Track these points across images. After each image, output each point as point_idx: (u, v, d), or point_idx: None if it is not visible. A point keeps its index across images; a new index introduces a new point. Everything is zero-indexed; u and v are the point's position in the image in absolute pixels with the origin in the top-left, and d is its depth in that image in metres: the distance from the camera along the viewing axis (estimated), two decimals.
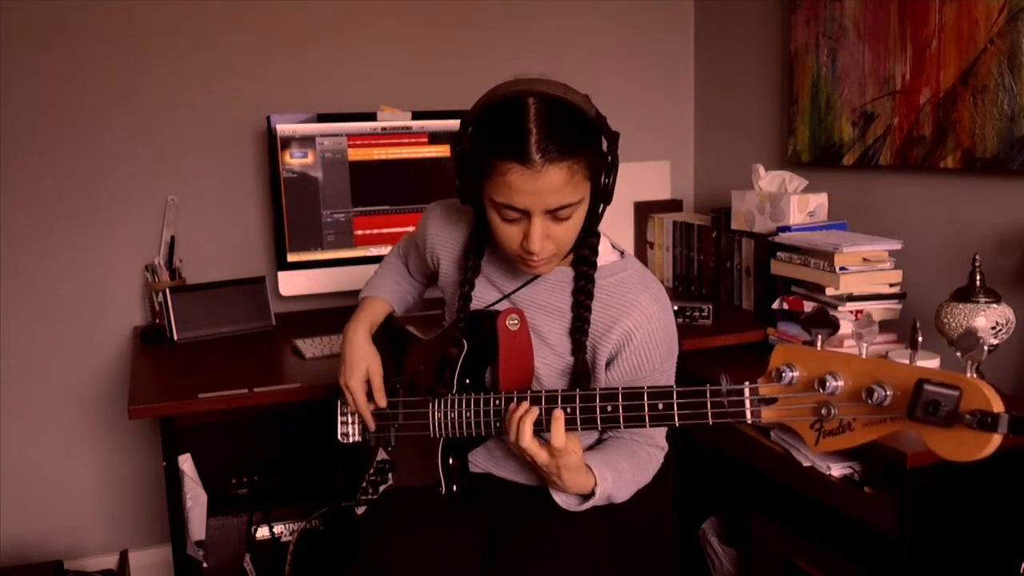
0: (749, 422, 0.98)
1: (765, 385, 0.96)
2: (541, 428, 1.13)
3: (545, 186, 1.09)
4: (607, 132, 1.17)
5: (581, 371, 1.23)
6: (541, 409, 1.14)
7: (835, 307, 1.77)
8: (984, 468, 1.45)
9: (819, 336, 0.95)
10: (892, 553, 1.45)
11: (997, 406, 0.78)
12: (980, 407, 0.78)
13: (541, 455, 1.12)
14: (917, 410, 0.80)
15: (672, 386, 1.03)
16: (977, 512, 1.49)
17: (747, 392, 0.97)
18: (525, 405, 1.14)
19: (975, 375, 0.82)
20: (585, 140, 1.13)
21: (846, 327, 1.77)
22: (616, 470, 1.20)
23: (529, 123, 1.09)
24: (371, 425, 1.36)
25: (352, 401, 1.35)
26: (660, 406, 1.03)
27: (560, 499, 1.20)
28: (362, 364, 1.35)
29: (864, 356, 0.89)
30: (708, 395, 1.00)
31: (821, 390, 0.89)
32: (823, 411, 0.90)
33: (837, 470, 1.56)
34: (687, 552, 2.13)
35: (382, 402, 1.34)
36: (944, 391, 0.79)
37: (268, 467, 2.10)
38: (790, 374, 0.93)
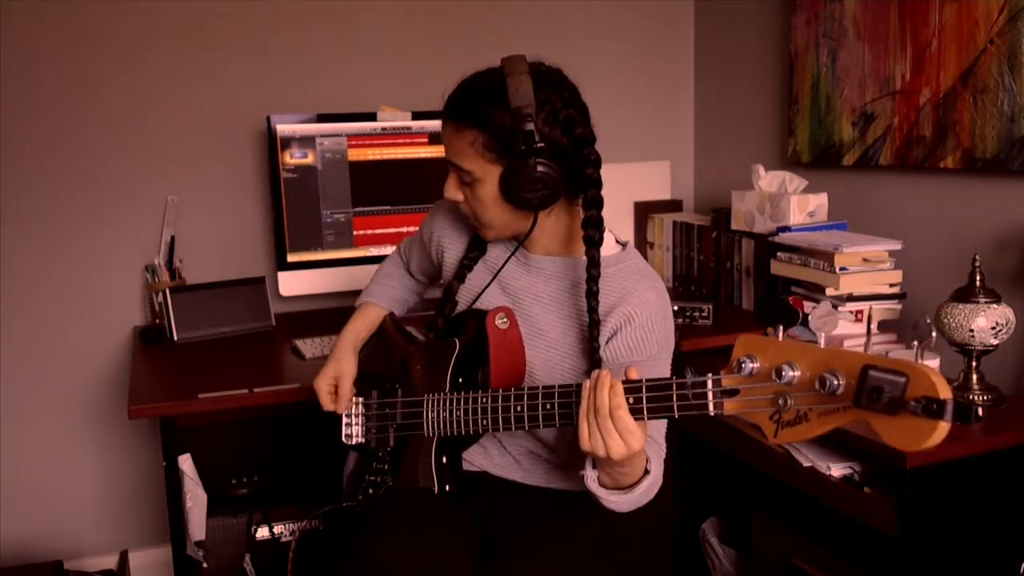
0: (712, 414, 0.97)
1: (727, 376, 0.95)
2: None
3: (448, 140, 1.22)
4: (537, 130, 1.14)
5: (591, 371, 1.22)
6: (524, 406, 1.14)
7: (835, 307, 1.77)
8: (984, 468, 1.46)
9: (779, 327, 0.94)
10: (892, 553, 1.45)
11: (944, 393, 0.76)
12: (926, 393, 0.76)
13: (618, 442, 1.02)
14: (862, 397, 0.79)
15: (642, 380, 1.03)
16: (977, 512, 1.49)
17: (710, 384, 0.97)
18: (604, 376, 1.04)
19: (923, 360, 0.81)
20: (483, 118, 1.17)
21: (846, 327, 1.77)
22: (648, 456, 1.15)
23: (461, 83, 1.22)
24: (338, 410, 1.40)
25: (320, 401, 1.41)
26: (631, 400, 1.03)
27: (609, 497, 1.11)
28: (333, 369, 1.41)
29: (822, 345, 0.89)
30: (674, 388, 1.00)
31: (778, 380, 0.89)
32: (780, 401, 0.89)
33: (837, 470, 1.56)
34: (687, 552, 2.13)
35: (340, 408, 1.39)
36: (889, 377, 0.78)
37: (268, 467, 2.10)
38: (750, 365, 0.92)
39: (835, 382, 0.84)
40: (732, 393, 0.95)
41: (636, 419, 1.03)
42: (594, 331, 1.21)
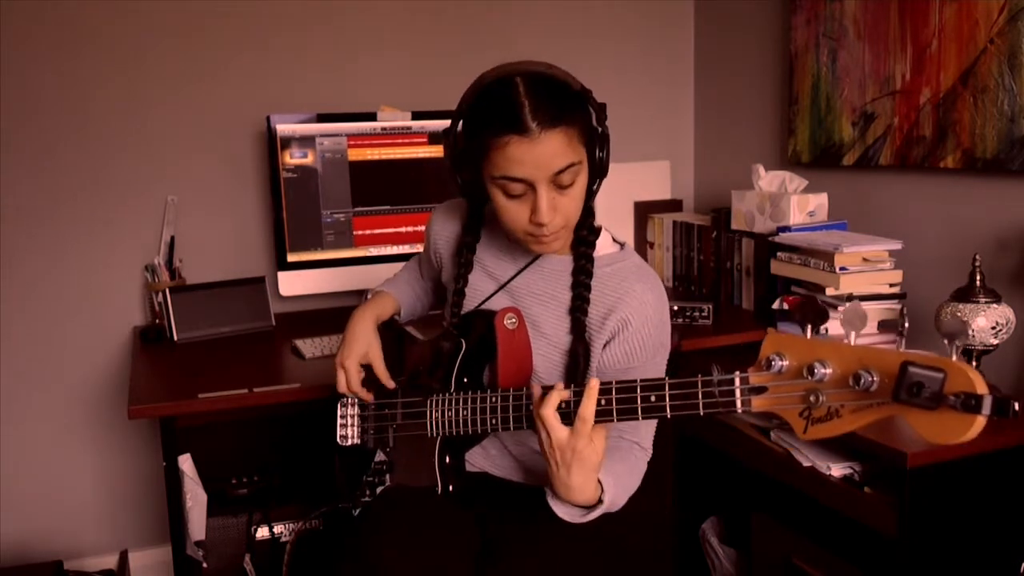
0: (739, 411, 0.97)
1: (755, 374, 0.96)
2: (568, 410, 1.11)
3: (544, 152, 1.11)
4: (594, 104, 1.19)
5: (577, 351, 1.22)
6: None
7: (835, 307, 1.77)
8: (984, 468, 1.46)
9: (808, 324, 0.95)
10: (892, 553, 1.45)
11: (981, 388, 0.78)
12: (964, 389, 0.78)
13: (560, 431, 1.07)
14: (902, 392, 0.80)
15: (664, 378, 1.03)
16: (977, 512, 1.49)
17: (737, 381, 0.97)
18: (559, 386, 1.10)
19: (962, 359, 0.82)
20: (575, 108, 1.15)
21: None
22: (616, 476, 1.18)
23: (521, 97, 1.11)
24: (367, 398, 1.34)
25: (345, 379, 1.33)
26: (652, 398, 1.03)
27: (562, 511, 1.15)
28: (361, 346, 1.34)
29: (853, 344, 0.89)
30: (700, 385, 1.00)
31: (810, 377, 0.89)
32: (811, 398, 0.90)
33: (837, 470, 1.56)
34: (687, 552, 2.13)
35: (389, 384, 1.33)
36: (928, 373, 0.79)
37: (268, 467, 2.10)
38: (780, 362, 0.93)
39: (870, 379, 0.85)
40: (760, 390, 0.95)
41: (658, 416, 1.04)
42: (581, 316, 1.22)
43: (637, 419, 1.05)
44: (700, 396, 1.00)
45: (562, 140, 1.12)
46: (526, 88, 1.12)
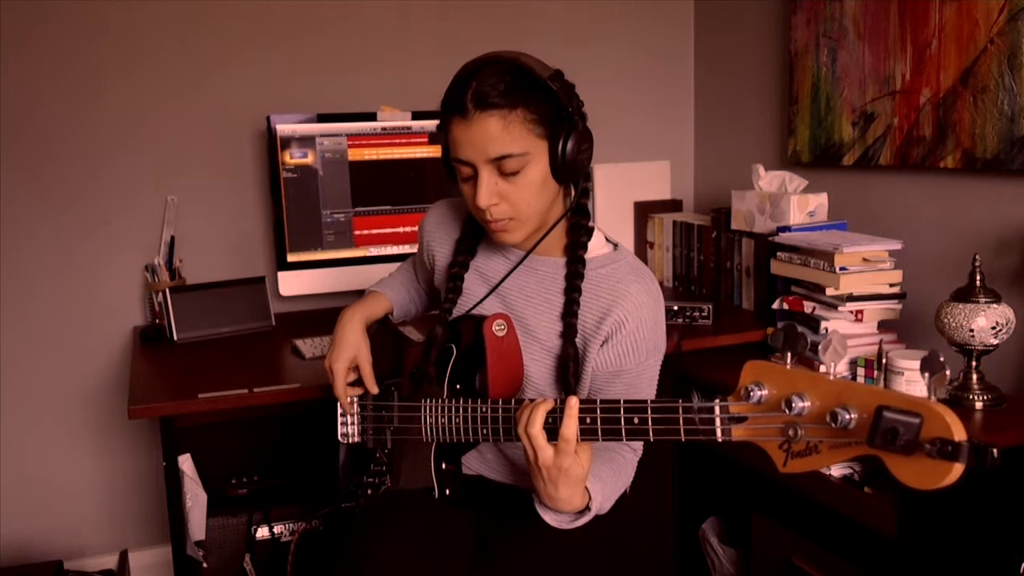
0: (719, 440, 0.95)
1: (735, 403, 0.94)
2: (555, 425, 1.11)
3: (480, 134, 1.12)
4: (565, 94, 1.16)
5: (568, 354, 1.21)
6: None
7: (835, 307, 1.77)
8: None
9: (788, 353, 0.93)
10: (892, 553, 1.45)
11: (959, 434, 0.75)
12: (941, 435, 0.76)
13: (545, 451, 1.07)
14: (876, 438, 0.78)
15: (647, 401, 1.02)
16: (977, 512, 1.49)
17: (717, 410, 0.95)
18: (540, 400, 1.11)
19: (937, 397, 0.80)
20: (527, 93, 1.13)
21: (845, 327, 1.77)
22: (602, 480, 1.18)
23: (471, 79, 1.13)
24: (348, 409, 1.36)
25: (332, 383, 1.34)
26: (635, 420, 1.01)
27: (550, 518, 1.15)
28: (351, 349, 1.34)
29: (832, 376, 0.87)
30: (680, 411, 0.98)
31: (788, 411, 0.87)
32: (790, 432, 0.87)
33: (837, 470, 1.56)
34: (687, 552, 2.13)
35: (373, 389, 1.34)
36: (904, 418, 0.77)
37: (268, 467, 2.10)
38: (759, 392, 0.91)
39: (847, 417, 0.82)
40: (740, 420, 0.94)
41: (641, 439, 1.03)
42: (572, 319, 1.21)
43: (621, 439, 1.04)
44: (681, 423, 0.98)
45: (498, 124, 1.12)
46: (480, 72, 1.13)
